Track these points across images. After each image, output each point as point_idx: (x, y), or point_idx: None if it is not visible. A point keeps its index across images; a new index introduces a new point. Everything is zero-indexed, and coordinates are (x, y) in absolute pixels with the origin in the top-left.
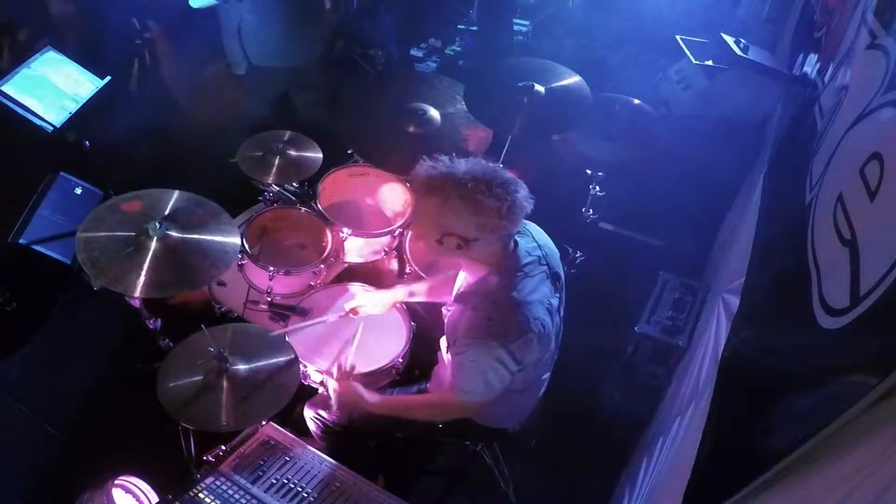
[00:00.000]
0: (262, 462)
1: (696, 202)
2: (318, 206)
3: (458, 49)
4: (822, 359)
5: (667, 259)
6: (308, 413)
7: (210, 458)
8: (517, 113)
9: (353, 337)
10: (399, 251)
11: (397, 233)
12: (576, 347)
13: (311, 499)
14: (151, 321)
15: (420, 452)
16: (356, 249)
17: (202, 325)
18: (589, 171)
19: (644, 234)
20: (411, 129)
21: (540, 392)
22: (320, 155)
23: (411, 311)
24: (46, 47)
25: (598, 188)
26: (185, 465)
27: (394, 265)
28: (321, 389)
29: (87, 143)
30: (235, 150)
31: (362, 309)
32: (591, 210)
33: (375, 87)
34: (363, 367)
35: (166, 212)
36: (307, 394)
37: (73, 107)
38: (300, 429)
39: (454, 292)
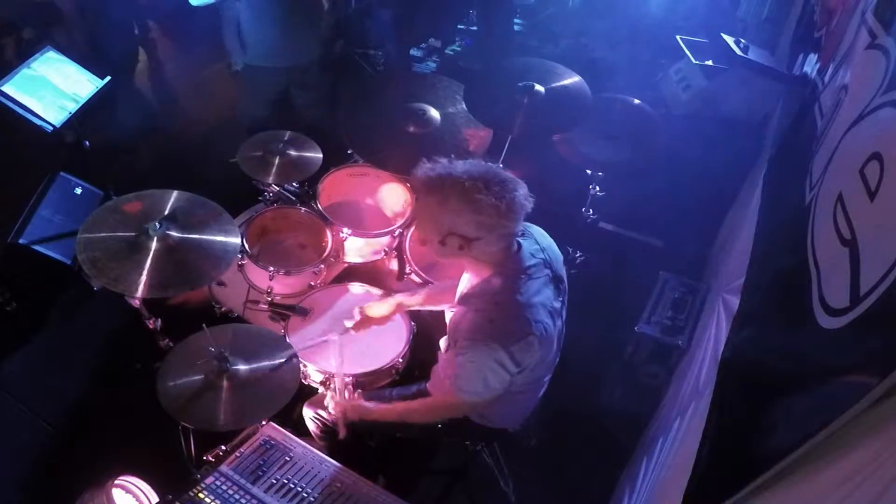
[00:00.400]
0: (262, 462)
1: (696, 202)
2: (318, 206)
3: (458, 49)
4: (822, 359)
5: (667, 259)
6: (308, 413)
7: (210, 458)
8: (517, 113)
9: (353, 337)
10: (399, 251)
11: (397, 233)
12: (576, 347)
13: (311, 499)
14: (151, 321)
15: (420, 452)
16: (356, 249)
17: (202, 325)
18: (589, 171)
19: (644, 234)
20: (411, 129)
21: (540, 393)
22: (320, 155)
23: (411, 312)
24: (46, 47)
25: (598, 188)
26: (185, 465)
27: (394, 265)
28: (321, 389)
29: (87, 142)
30: (235, 150)
31: (364, 324)
32: (591, 210)
33: (375, 87)
34: (363, 367)
35: (166, 212)
36: (307, 394)
37: (73, 107)
38: (300, 429)
39: (458, 293)
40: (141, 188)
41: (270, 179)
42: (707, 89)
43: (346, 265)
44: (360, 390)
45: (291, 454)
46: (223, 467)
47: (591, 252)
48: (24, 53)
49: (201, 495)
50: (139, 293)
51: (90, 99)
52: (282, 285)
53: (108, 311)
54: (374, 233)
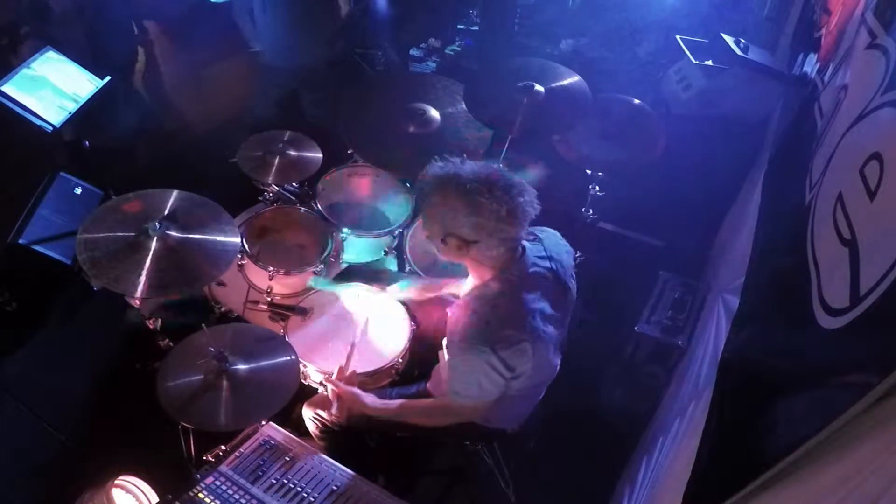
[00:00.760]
0: (261, 462)
1: (696, 202)
2: (318, 206)
3: (458, 49)
4: (822, 359)
5: (667, 259)
6: (307, 413)
7: (210, 458)
8: (517, 113)
9: (353, 337)
10: (399, 251)
11: (397, 233)
12: (576, 347)
13: (311, 499)
14: (151, 321)
15: (420, 452)
16: (356, 249)
17: (202, 325)
18: (589, 171)
19: (644, 234)
20: (411, 129)
21: (539, 396)
22: (320, 155)
23: (412, 312)
24: (46, 47)
25: (598, 188)
26: (185, 465)
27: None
28: (321, 389)
29: (87, 142)
30: (235, 150)
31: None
32: (591, 210)
33: (375, 86)
34: (363, 367)
35: (166, 212)
36: (307, 394)
37: (73, 107)
38: (300, 429)
39: (462, 294)
40: (141, 188)
41: (270, 179)
42: (707, 89)
43: (345, 265)
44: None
45: (291, 454)
46: (223, 467)
47: (591, 252)
48: (24, 53)
49: (201, 495)
50: (139, 293)
51: (90, 99)
52: (282, 285)
53: (108, 311)
54: (374, 233)
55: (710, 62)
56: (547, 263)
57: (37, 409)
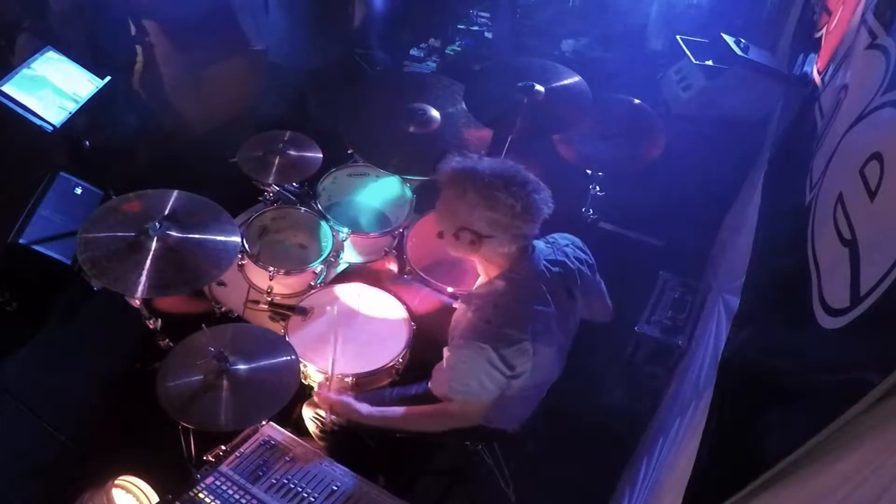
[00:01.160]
0: (262, 462)
1: (696, 202)
2: (318, 206)
3: (458, 49)
4: (823, 359)
5: (667, 259)
6: (307, 413)
7: (210, 458)
8: (517, 113)
9: (353, 337)
10: (399, 251)
11: (397, 233)
12: (576, 347)
13: (311, 499)
14: (151, 321)
15: (420, 452)
16: (356, 249)
17: (202, 325)
18: (589, 171)
19: (644, 234)
20: (411, 129)
21: (540, 397)
22: (320, 155)
23: (411, 312)
24: (46, 47)
25: (598, 188)
26: (185, 465)
27: (394, 265)
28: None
29: (87, 142)
30: (235, 150)
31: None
32: (591, 210)
33: (375, 86)
34: (364, 367)
35: (166, 212)
36: (307, 394)
37: (73, 107)
38: (300, 429)
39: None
40: (141, 188)
41: (270, 179)
42: (707, 89)
43: (345, 265)
44: (352, 391)
45: (291, 454)
46: (223, 467)
47: (591, 252)
48: (24, 53)
49: (201, 495)
50: (139, 293)
51: (90, 99)
52: (282, 285)
53: (108, 311)
54: (374, 233)
55: (710, 62)
56: (556, 269)
57: (37, 409)
